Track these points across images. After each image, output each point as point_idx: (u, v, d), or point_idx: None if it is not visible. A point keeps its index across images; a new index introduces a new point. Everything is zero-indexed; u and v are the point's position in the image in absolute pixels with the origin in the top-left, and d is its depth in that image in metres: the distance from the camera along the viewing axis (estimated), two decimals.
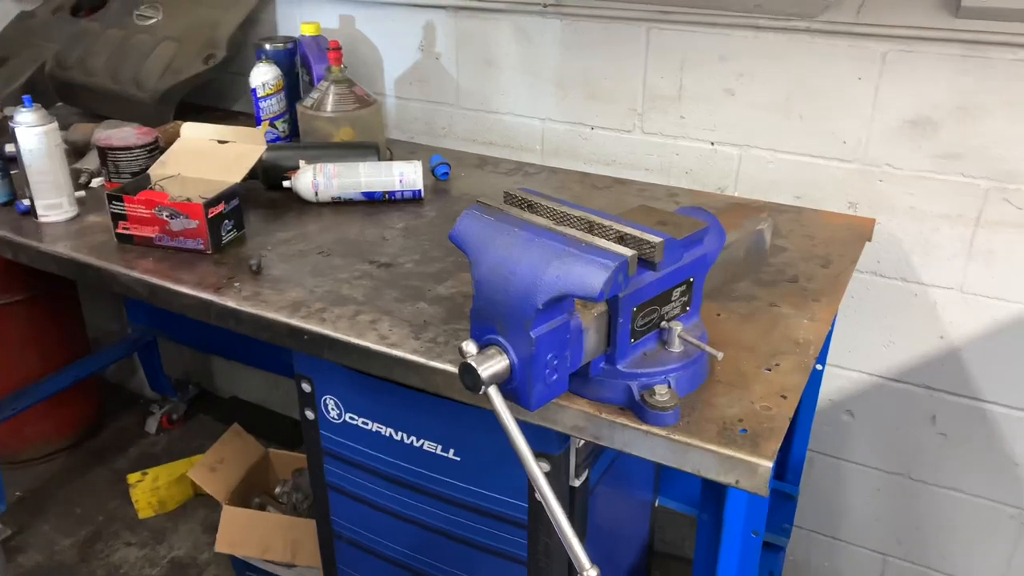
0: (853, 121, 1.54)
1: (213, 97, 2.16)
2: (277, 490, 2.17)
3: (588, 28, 1.71)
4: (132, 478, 2.32)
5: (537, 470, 0.85)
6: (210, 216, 1.32)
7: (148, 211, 1.33)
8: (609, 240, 0.87)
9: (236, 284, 1.25)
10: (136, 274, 1.29)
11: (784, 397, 1.00)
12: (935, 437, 1.73)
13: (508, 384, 0.88)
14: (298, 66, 1.87)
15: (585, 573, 0.84)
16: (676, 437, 0.93)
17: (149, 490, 2.31)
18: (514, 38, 1.79)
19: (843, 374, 1.77)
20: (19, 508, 2.36)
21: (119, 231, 1.36)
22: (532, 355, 0.85)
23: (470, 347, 0.87)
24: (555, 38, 1.75)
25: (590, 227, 0.89)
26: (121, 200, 1.33)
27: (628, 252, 0.83)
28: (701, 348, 0.98)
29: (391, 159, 1.78)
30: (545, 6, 1.68)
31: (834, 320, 1.57)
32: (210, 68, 1.90)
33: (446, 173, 1.71)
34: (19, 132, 1.42)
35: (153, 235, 1.35)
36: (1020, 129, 1.42)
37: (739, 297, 1.23)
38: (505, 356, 0.87)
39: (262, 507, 2.11)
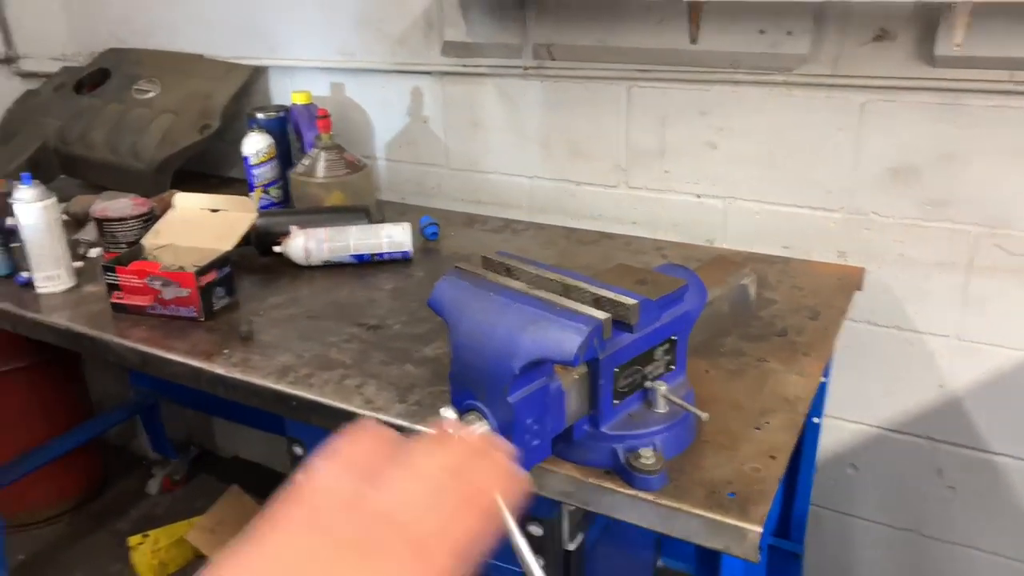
0: (836, 171, 1.55)
1: (209, 165, 2.20)
2: None
3: (569, 88, 1.74)
4: (133, 541, 2.30)
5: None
6: (202, 284, 1.34)
7: (140, 281, 1.34)
8: (585, 303, 0.88)
9: (226, 351, 1.25)
10: (129, 343, 1.30)
11: (773, 457, 0.99)
12: (943, 491, 1.70)
13: None
14: (290, 134, 1.90)
15: None
16: (663, 502, 0.92)
17: (150, 553, 2.28)
18: (498, 100, 1.83)
19: (844, 426, 1.75)
20: (20, 572, 2.34)
21: (114, 301, 1.38)
22: (512, 421, 0.85)
23: (449, 413, 0.87)
24: (537, 99, 1.78)
25: (566, 290, 0.90)
26: (114, 271, 1.35)
27: (602, 315, 0.83)
28: (686, 408, 0.97)
29: (382, 221, 1.80)
30: (526, 69, 1.72)
31: (827, 373, 1.57)
32: (205, 138, 1.94)
33: (435, 233, 1.72)
34: (18, 208, 1.44)
35: (146, 304, 1.36)
36: (1004, 174, 1.42)
37: (727, 352, 1.23)
38: (485, 422, 0.87)
39: None
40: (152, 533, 2.32)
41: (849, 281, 1.49)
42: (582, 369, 0.93)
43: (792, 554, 1.68)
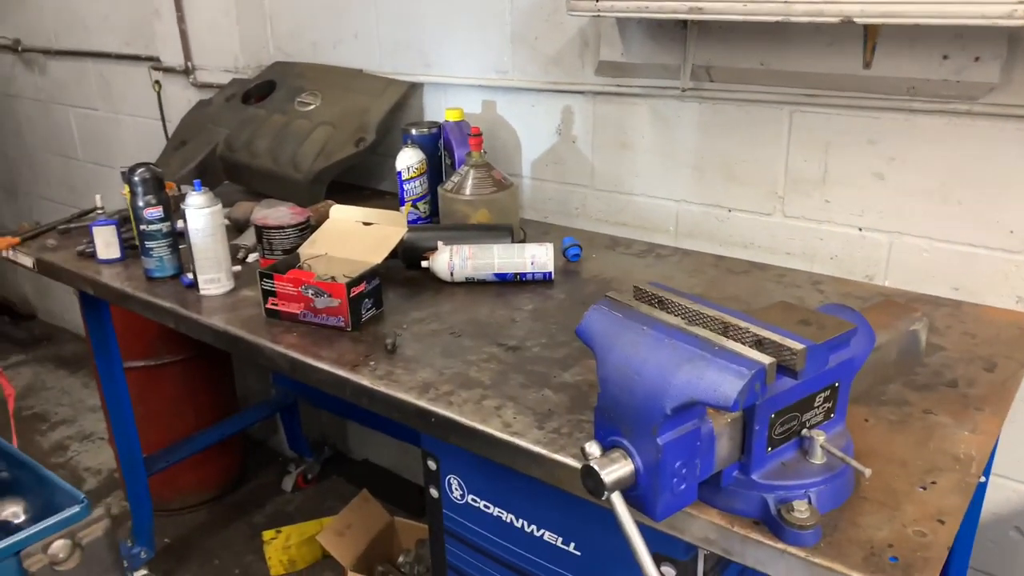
0: (1021, 209, 1.42)
1: (363, 177, 2.28)
2: (400, 559, 2.18)
3: (727, 110, 1.68)
4: (267, 535, 2.41)
5: None
6: (352, 295, 1.38)
7: (295, 289, 1.40)
8: (745, 344, 0.83)
9: (371, 363, 1.29)
10: (281, 349, 1.35)
11: (942, 522, 0.90)
12: None
13: (632, 490, 0.85)
14: (441, 150, 1.94)
15: None
16: (816, 560, 0.86)
17: (281, 548, 2.38)
18: (650, 121, 1.79)
19: (1010, 485, 1.59)
20: (165, 555, 2.50)
21: (268, 307, 1.44)
22: (659, 462, 0.81)
23: (593, 448, 0.84)
24: (692, 120, 1.73)
25: (724, 329, 0.86)
26: (271, 278, 1.42)
27: (766, 360, 0.78)
28: (846, 461, 0.90)
29: (524, 240, 1.81)
30: (684, 90, 1.67)
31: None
32: (360, 151, 2.01)
33: (577, 255, 1.71)
34: (189, 213, 1.54)
35: (298, 311, 1.42)
36: None
37: (889, 401, 1.14)
38: (630, 461, 0.84)
39: (385, 575, 2.13)
40: (284, 530, 2.42)
41: None
42: (737, 413, 0.88)
43: None
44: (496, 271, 1.57)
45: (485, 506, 1.34)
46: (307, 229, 1.66)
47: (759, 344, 0.83)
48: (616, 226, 1.93)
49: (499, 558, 1.36)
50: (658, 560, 1.11)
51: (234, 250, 1.73)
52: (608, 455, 0.84)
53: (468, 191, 1.74)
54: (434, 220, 1.91)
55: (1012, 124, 1.38)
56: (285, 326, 1.43)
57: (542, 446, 1.07)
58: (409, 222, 1.87)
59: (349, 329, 1.39)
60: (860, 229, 1.60)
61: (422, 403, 1.18)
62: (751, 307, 1.27)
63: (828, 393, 0.95)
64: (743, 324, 0.85)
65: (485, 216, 1.74)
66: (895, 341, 1.06)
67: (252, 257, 1.74)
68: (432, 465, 1.40)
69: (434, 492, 1.42)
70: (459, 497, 1.38)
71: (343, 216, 1.59)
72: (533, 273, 1.58)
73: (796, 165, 1.64)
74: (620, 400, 0.84)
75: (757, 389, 0.78)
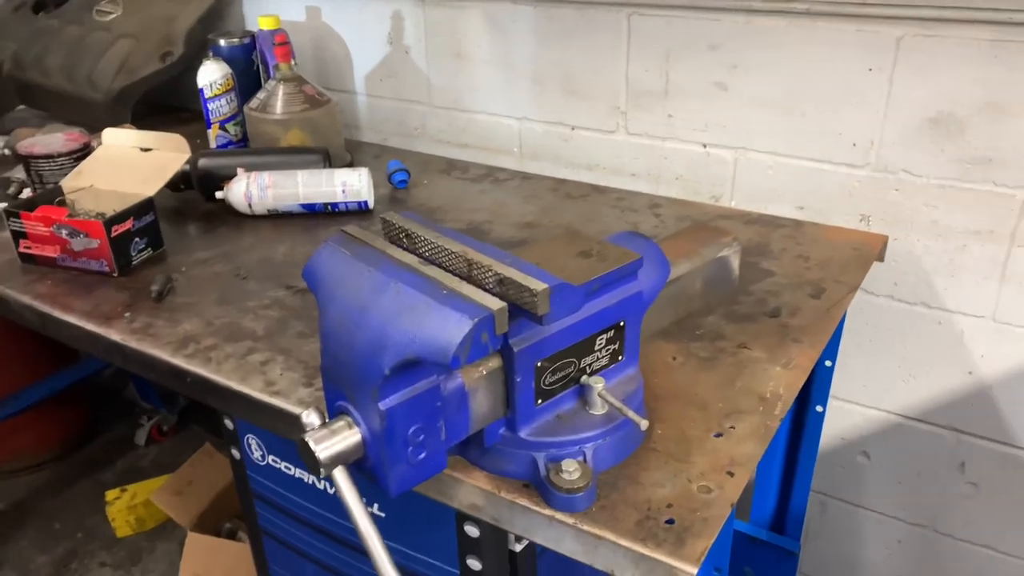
0: (864, 120, 1.32)
1: (177, 96, 2.03)
2: None
3: (563, 15, 1.51)
4: (110, 495, 2.23)
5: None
6: (113, 235, 1.18)
7: (47, 229, 1.20)
8: (485, 286, 0.69)
9: (128, 314, 1.11)
10: (27, 300, 1.16)
11: (731, 474, 0.80)
12: (964, 487, 1.50)
13: (364, 463, 0.71)
14: (256, 63, 1.72)
15: None
16: (584, 528, 0.75)
17: (126, 508, 2.21)
18: (485, 28, 1.61)
19: (857, 411, 1.54)
20: (1, 521, 2.30)
21: (21, 251, 1.24)
22: (385, 430, 0.68)
23: (312, 418, 0.70)
24: (528, 26, 1.56)
25: (468, 267, 0.71)
26: (19, 217, 1.21)
27: (496, 305, 0.64)
28: (622, 411, 0.79)
29: (351, 164, 1.63)
30: None
31: (835, 354, 1.36)
32: (167, 66, 1.77)
33: (404, 181, 1.54)
34: None
35: (55, 255, 1.22)
36: None
37: (703, 336, 1.04)
38: (357, 430, 0.70)
39: (232, 533, 1.99)
40: (130, 488, 2.25)
41: (868, 252, 1.26)
42: (493, 363, 0.75)
43: (786, 551, 1.50)
44: (302, 201, 1.39)
45: (286, 467, 1.20)
46: (85, 158, 1.43)
47: (501, 284, 0.69)
48: (459, 148, 1.76)
49: (306, 520, 1.23)
50: (463, 551, 1.00)
51: (5, 184, 1.49)
52: (331, 425, 0.70)
53: (278, 109, 1.54)
54: (248, 144, 1.70)
55: (852, 26, 1.27)
56: (41, 272, 1.23)
57: (305, 407, 0.92)
58: (219, 147, 1.66)
59: (115, 274, 1.20)
60: (704, 146, 1.48)
61: (177, 361, 1.01)
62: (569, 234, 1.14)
63: (612, 334, 0.82)
64: (488, 261, 0.70)
65: (298, 138, 1.54)
66: (699, 270, 0.95)
67: (27, 193, 1.51)
68: (229, 424, 1.25)
69: (236, 453, 1.27)
70: (260, 458, 1.23)
71: (117, 141, 1.37)
72: (346, 203, 1.41)
73: (637, 76, 1.49)
74: (340, 358, 0.69)
75: (486, 340, 0.64)
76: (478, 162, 1.72)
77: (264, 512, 1.30)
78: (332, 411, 0.73)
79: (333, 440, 0.69)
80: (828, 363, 1.35)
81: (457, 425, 0.74)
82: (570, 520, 0.76)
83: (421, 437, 0.70)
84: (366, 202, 1.41)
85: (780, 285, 1.16)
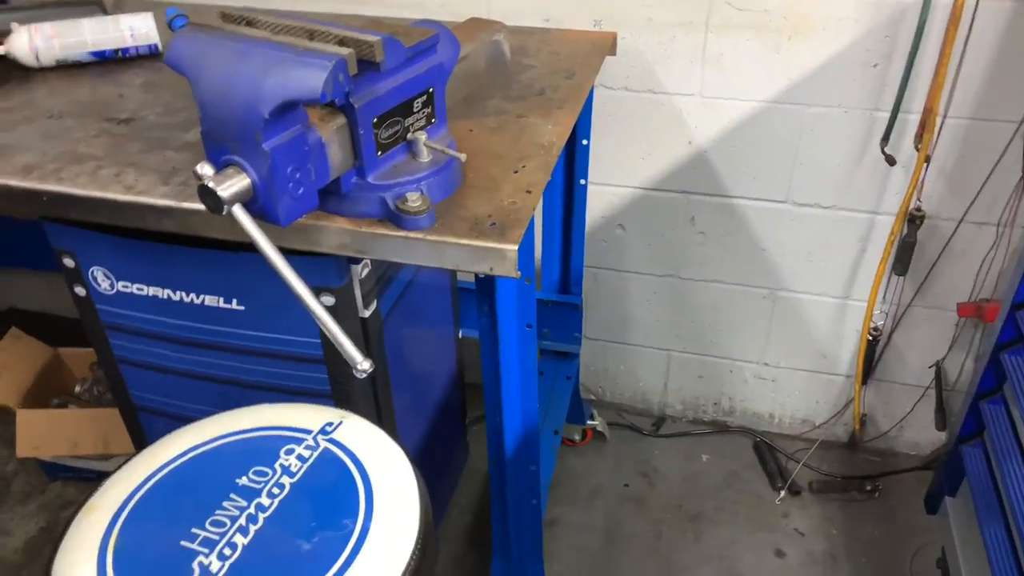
0: None
1: None
2: (77, 389, 2.08)
3: None
4: None
5: (289, 272, 0.88)
6: None
7: None
8: (329, 44, 0.88)
9: None
10: None
11: (529, 192, 1.07)
12: (696, 236, 1.93)
13: (254, 204, 0.89)
14: None
15: (359, 365, 0.90)
16: (432, 238, 0.99)
17: None
18: None
19: (611, 191, 1.91)
20: None
21: None
22: (270, 168, 0.86)
23: (206, 169, 0.86)
24: None
25: (311, 35, 0.89)
26: None
27: (346, 51, 0.84)
28: (446, 153, 1.02)
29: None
30: None
31: (588, 136, 1.68)
32: None
33: (183, 26, 1.60)
34: None
35: None
36: None
37: (490, 113, 1.29)
38: (245, 174, 0.87)
39: (63, 407, 2.02)
40: None
41: (602, 45, 1.57)
42: (340, 120, 0.94)
43: (572, 305, 1.86)
44: (91, 49, 1.43)
45: (138, 289, 1.31)
46: None
47: (342, 43, 0.88)
48: None
49: (166, 335, 1.36)
50: (317, 292, 1.20)
51: None
52: (223, 173, 0.86)
53: None
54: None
55: None
56: None
57: (170, 199, 1.05)
58: None
59: None
60: None
61: (28, 184, 1.09)
62: None
63: (425, 99, 1.04)
64: (328, 29, 0.89)
65: None
66: (481, 50, 1.18)
67: None
68: (70, 263, 1.32)
69: (80, 290, 1.35)
70: (108, 288, 1.33)
71: None
72: (137, 47, 1.46)
73: None
74: (220, 117, 0.85)
75: (342, 80, 0.83)
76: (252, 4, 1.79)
77: (119, 340, 1.41)
78: (219, 165, 0.89)
79: (229, 182, 0.85)
80: (584, 142, 1.67)
81: (321, 170, 0.93)
82: (420, 235, 0.99)
83: (298, 175, 0.89)
84: (156, 45, 1.47)
85: (541, 73, 1.43)
